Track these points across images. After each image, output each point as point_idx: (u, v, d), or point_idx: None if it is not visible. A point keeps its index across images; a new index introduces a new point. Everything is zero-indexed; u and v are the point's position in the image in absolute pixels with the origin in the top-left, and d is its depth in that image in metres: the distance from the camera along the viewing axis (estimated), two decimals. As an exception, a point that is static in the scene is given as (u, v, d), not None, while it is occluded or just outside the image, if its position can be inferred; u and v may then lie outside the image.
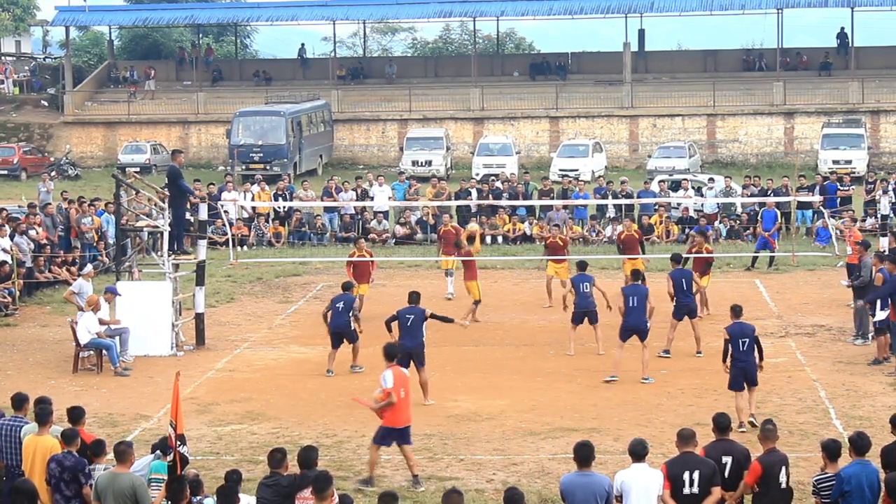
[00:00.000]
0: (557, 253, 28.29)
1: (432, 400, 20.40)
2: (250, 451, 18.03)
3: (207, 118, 62.25)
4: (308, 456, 13.06)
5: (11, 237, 29.85)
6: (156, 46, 74.35)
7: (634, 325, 21.63)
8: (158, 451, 13.90)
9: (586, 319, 23.70)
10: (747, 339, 18.58)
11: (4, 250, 29.19)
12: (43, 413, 14.06)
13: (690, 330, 23.57)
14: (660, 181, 41.38)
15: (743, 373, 18.54)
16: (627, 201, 37.40)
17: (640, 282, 22.40)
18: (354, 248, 28.23)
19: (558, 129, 60.23)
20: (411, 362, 20.05)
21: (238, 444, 18.43)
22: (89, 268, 26.63)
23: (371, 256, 27.62)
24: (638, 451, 12.79)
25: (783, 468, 12.97)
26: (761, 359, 18.84)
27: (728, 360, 18.63)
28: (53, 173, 54.15)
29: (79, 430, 13.96)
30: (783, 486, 12.97)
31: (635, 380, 21.69)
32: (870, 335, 24.03)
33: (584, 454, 12.53)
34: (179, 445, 13.25)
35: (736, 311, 19.01)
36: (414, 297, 20.89)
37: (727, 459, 13.10)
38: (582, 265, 23.94)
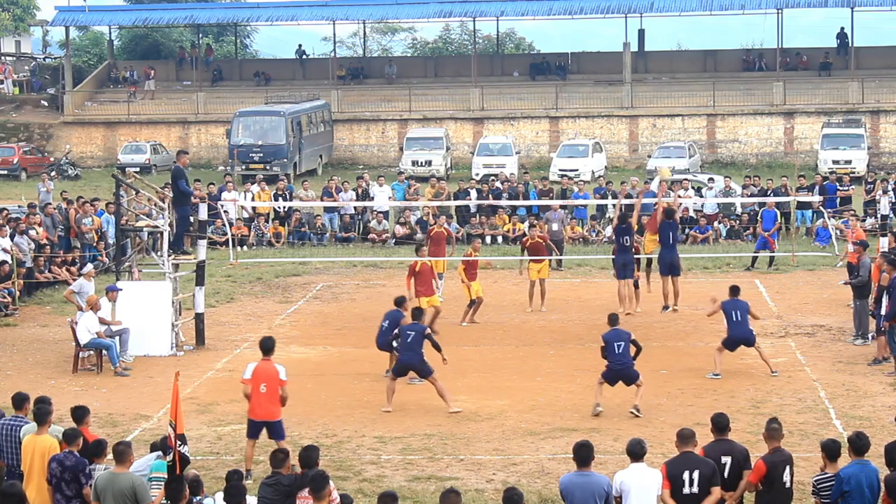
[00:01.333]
0: (540, 253, 28.13)
1: (457, 407, 20.02)
2: (250, 451, 18.03)
3: (207, 118, 62.25)
4: (309, 455, 13.06)
5: (11, 237, 29.87)
6: (156, 46, 74.35)
7: (743, 336, 21.89)
8: (159, 451, 13.91)
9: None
10: (623, 343, 19.64)
11: (4, 250, 29.20)
12: (41, 413, 14.04)
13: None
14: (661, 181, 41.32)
15: (619, 373, 19.69)
16: (627, 201, 37.30)
17: (738, 296, 22.25)
18: (417, 254, 26.21)
19: (558, 129, 60.24)
20: (414, 374, 20.12)
21: (238, 444, 18.41)
22: (90, 267, 26.61)
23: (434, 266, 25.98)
24: (636, 451, 12.80)
25: (787, 468, 12.98)
26: (635, 357, 19.78)
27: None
28: (53, 173, 54.18)
29: (81, 430, 13.96)
30: (787, 485, 12.98)
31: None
32: (870, 335, 24.06)
33: (583, 454, 12.54)
34: (180, 445, 13.25)
35: (612, 319, 20.28)
36: (417, 313, 20.74)
37: (726, 459, 13.10)
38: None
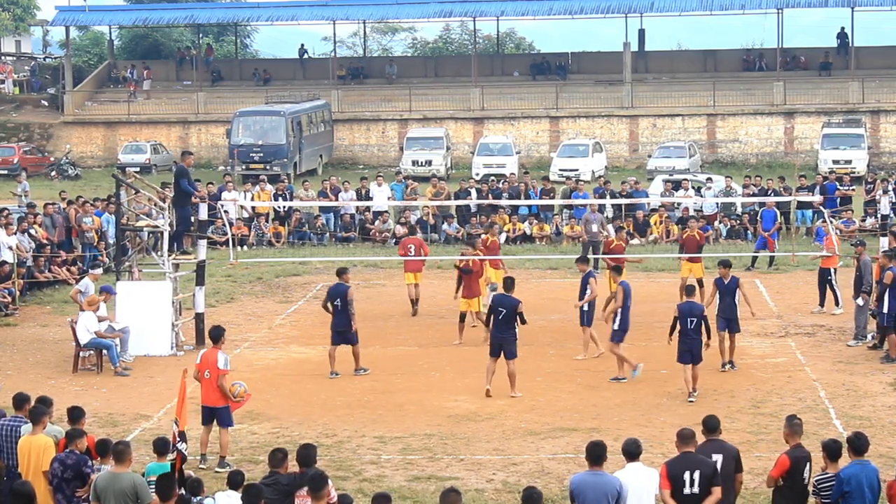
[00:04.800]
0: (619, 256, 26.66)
1: (518, 392, 20.69)
2: (250, 451, 18.05)
3: (207, 118, 62.24)
4: (307, 454, 13.05)
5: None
6: (156, 46, 74.34)
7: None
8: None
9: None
10: (695, 319, 19.97)
11: (10, 248, 29.23)
12: (36, 412, 14.00)
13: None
14: (664, 181, 41.41)
15: (689, 349, 20.09)
16: (627, 201, 37.34)
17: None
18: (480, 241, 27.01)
19: (558, 129, 60.23)
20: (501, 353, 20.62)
21: (238, 444, 18.41)
22: (99, 270, 26.61)
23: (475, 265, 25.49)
24: (632, 451, 12.78)
25: (807, 465, 13.03)
26: (709, 338, 20.27)
27: (676, 335, 20.24)
28: (54, 173, 54.22)
29: (83, 430, 13.94)
30: (804, 482, 13.01)
31: (636, 379, 21.68)
32: (869, 335, 24.06)
33: (596, 453, 12.52)
34: (178, 442, 13.25)
35: (689, 290, 21.03)
36: (508, 283, 21.10)
37: (717, 457, 13.08)
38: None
